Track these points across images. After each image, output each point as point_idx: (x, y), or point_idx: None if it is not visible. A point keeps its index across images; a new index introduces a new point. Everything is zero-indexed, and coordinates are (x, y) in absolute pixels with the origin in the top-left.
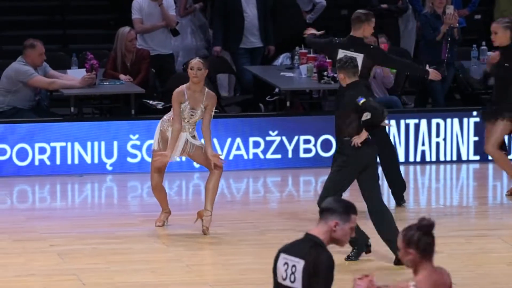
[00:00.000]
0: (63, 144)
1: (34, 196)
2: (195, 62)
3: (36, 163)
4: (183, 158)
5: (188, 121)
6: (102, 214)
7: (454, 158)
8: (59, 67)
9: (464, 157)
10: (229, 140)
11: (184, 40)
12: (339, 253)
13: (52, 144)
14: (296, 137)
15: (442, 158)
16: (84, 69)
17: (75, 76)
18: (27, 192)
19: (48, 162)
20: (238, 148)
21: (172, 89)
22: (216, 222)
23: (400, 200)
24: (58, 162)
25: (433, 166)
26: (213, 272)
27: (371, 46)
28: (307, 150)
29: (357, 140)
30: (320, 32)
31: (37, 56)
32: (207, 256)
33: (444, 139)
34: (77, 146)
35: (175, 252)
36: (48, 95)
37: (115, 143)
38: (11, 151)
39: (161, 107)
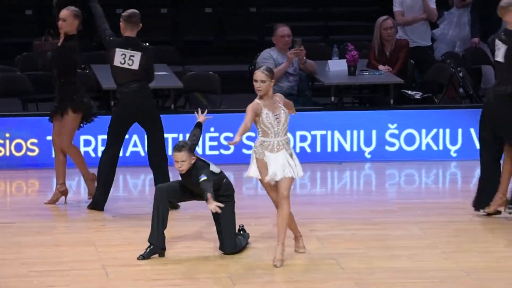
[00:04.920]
0: (323, 132)
1: (295, 183)
2: (258, 74)
3: (297, 150)
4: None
5: (276, 130)
6: (360, 201)
7: None
8: (320, 58)
9: None
10: None
11: (448, 32)
12: None
13: (313, 132)
14: None
15: None
16: (345, 60)
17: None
18: None
19: (308, 150)
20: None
21: (431, 80)
22: (471, 210)
23: None
24: (318, 149)
25: None
26: (469, 259)
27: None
28: None
29: None
30: None
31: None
32: (463, 243)
33: None
34: (336, 134)
35: (432, 239)
36: (309, 85)
37: (374, 132)
38: None
39: (419, 97)
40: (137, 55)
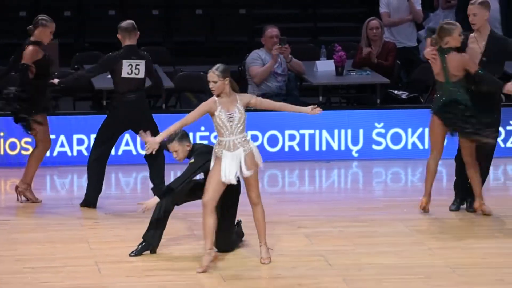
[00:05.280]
0: (312, 131)
1: (284, 181)
2: (210, 74)
3: (286, 149)
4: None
5: (230, 129)
6: (348, 198)
7: None
8: (308, 58)
9: None
10: None
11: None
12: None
13: (301, 131)
14: None
15: None
16: (332, 60)
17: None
18: (277, 176)
19: (297, 149)
20: None
21: (417, 80)
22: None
23: None
24: (306, 148)
25: None
26: (454, 255)
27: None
28: None
29: None
30: None
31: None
32: (448, 240)
33: None
34: (324, 133)
35: (418, 235)
36: (298, 85)
37: (361, 131)
38: (263, 138)
39: (405, 97)
40: (142, 63)
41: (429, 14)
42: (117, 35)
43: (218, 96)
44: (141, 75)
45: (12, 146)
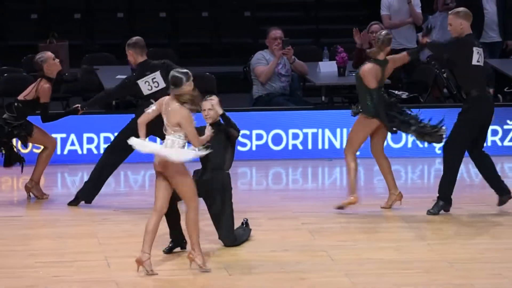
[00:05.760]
0: (315, 130)
1: (288, 178)
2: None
3: (290, 147)
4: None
5: None
6: None
7: None
8: (311, 60)
9: None
10: None
11: (432, 35)
12: None
13: (304, 130)
14: None
15: None
16: (334, 61)
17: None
18: (281, 174)
19: (300, 147)
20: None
21: (417, 80)
22: (455, 204)
23: None
24: (309, 147)
25: None
26: (453, 251)
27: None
28: None
29: None
30: None
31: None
32: (447, 236)
33: None
34: (327, 132)
35: (417, 231)
36: (301, 85)
37: None
38: (267, 137)
39: (405, 97)
40: (157, 74)
41: (428, 16)
42: (128, 51)
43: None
44: (162, 85)
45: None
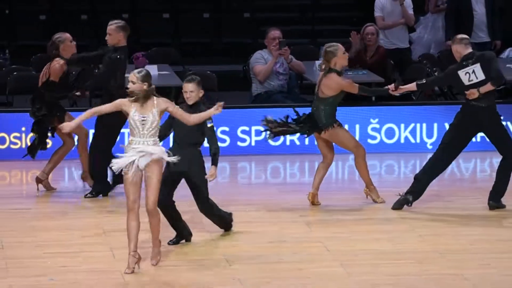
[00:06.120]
0: None
1: (286, 172)
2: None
3: (287, 143)
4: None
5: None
6: (345, 189)
7: None
8: (308, 59)
9: None
10: None
11: (424, 35)
12: None
13: None
14: None
15: None
16: None
17: None
18: (279, 168)
19: (297, 142)
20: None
21: (409, 79)
22: (446, 197)
23: None
24: (306, 142)
25: None
26: (444, 242)
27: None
28: None
29: None
30: None
31: None
32: (438, 227)
33: None
34: None
35: (410, 223)
36: (298, 83)
37: (357, 126)
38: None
39: (398, 95)
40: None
41: (419, 17)
42: (119, 33)
43: (135, 100)
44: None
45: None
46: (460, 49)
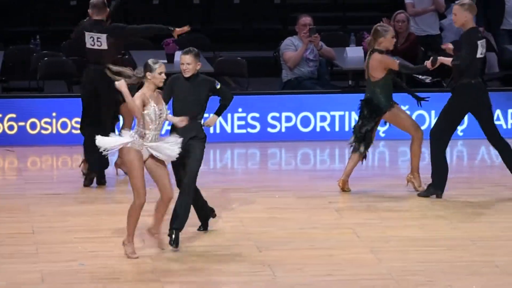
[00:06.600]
0: (342, 113)
1: (316, 159)
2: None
3: (318, 129)
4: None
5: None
6: (375, 175)
7: None
8: (339, 45)
9: None
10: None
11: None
12: None
13: (332, 113)
14: None
15: None
16: (361, 47)
17: None
18: (309, 155)
19: (328, 129)
20: (497, 119)
21: (440, 66)
22: (477, 184)
23: None
24: (337, 129)
25: None
26: (475, 229)
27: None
28: None
29: None
30: None
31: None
32: (469, 215)
33: None
34: (353, 115)
35: (441, 210)
36: (329, 70)
37: None
38: (296, 119)
39: (429, 81)
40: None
41: (450, 4)
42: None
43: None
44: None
45: (64, 126)
46: (470, 18)
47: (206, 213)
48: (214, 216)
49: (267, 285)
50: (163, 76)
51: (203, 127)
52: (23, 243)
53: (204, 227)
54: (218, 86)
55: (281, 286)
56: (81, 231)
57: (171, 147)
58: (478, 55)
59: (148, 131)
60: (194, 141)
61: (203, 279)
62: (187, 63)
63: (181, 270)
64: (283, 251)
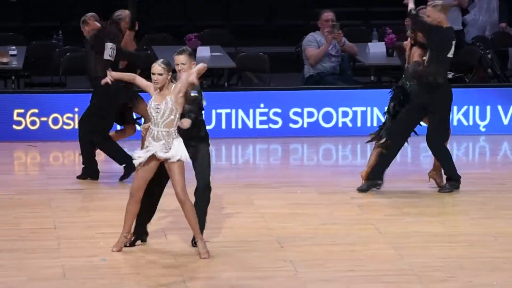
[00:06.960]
0: (364, 108)
1: (338, 154)
2: (155, 67)
3: (340, 125)
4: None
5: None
6: (397, 171)
7: None
8: (361, 41)
9: None
10: None
11: (479, 17)
12: None
13: (354, 108)
14: None
15: None
16: (383, 43)
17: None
18: (331, 150)
19: (350, 125)
20: None
21: (462, 61)
22: (499, 180)
23: None
24: (359, 124)
25: None
26: (496, 225)
27: None
28: None
29: None
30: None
31: None
32: (491, 211)
33: None
34: (375, 110)
35: (462, 206)
36: (351, 66)
37: None
38: (318, 114)
39: (451, 77)
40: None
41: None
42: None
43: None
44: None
45: None
46: (444, 18)
47: (142, 230)
48: (144, 241)
49: (288, 280)
50: (154, 77)
51: (204, 126)
52: (45, 238)
53: (130, 243)
54: (192, 95)
55: (302, 281)
56: (103, 227)
57: (164, 149)
58: (449, 55)
59: (152, 127)
60: (198, 144)
61: (224, 275)
62: (182, 63)
63: (202, 265)
64: (304, 247)
